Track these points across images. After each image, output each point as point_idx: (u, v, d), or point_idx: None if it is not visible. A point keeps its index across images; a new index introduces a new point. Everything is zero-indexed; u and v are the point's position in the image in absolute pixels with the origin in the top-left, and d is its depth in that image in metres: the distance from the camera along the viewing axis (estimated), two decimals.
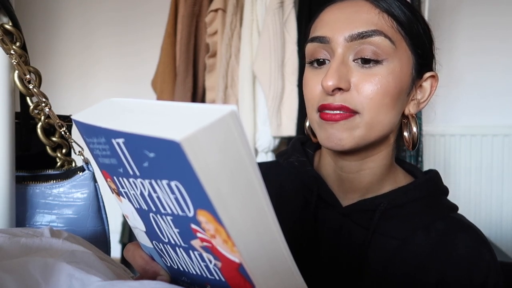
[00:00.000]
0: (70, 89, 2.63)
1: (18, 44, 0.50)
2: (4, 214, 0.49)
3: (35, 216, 0.53)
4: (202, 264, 0.31)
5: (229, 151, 0.23)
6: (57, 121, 0.53)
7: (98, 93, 2.60)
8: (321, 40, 0.54)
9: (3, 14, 0.49)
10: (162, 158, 0.24)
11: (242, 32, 1.75)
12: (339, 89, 0.51)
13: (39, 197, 0.53)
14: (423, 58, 0.56)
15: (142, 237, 0.36)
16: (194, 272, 0.32)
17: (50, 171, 0.55)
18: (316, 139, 0.61)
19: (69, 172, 0.55)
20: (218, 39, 1.80)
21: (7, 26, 0.49)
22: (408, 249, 0.54)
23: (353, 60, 0.52)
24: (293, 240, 0.40)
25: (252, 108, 1.73)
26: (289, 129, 1.65)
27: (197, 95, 1.93)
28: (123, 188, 0.32)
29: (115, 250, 1.79)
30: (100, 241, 0.55)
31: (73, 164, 0.57)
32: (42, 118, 0.54)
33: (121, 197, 0.33)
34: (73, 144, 0.55)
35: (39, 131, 0.54)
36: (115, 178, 0.32)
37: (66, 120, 0.55)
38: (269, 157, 1.73)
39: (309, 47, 0.56)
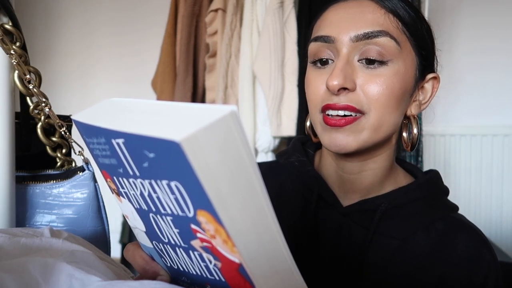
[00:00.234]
0: (70, 89, 2.63)
1: (18, 44, 0.50)
2: (4, 214, 0.49)
3: (35, 216, 0.53)
4: (202, 264, 0.31)
5: (229, 151, 0.23)
6: (57, 121, 0.53)
7: (98, 93, 2.60)
8: (326, 39, 0.53)
9: (3, 14, 0.49)
10: (162, 158, 0.24)
11: (242, 32, 1.75)
12: (344, 89, 0.51)
13: (39, 197, 0.53)
14: (426, 59, 0.55)
15: (142, 237, 0.36)
16: (194, 272, 0.32)
17: (50, 171, 0.55)
18: (316, 139, 0.61)
19: (69, 172, 0.55)
20: (218, 39, 1.80)
21: (7, 26, 0.49)
22: (409, 249, 0.54)
23: (358, 61, 0.52)
24: (293, 240, 0.40)
25: (252, 108, 1.73)
26: (289, 129, 1.65)
27: (197, 95, 1.93)
28: (123, 188, 0.32)
29: (115, 250, 1.79)
30: (100, 241, 0.55)
31: (73, 164, 0.57)
32: (42, 118, 0.54)
33: (121, 197, 0.33)
34: (73, 144, 0.55)
35: (39, 131, 0.54)
36: (115, 178, 0.32)
37: (66, 120, 0.55)
38: (269, 157, 1.73)
39: (313, 46, 0.55)
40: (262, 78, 1.65)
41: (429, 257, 0.54)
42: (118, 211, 0.40)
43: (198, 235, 0.28)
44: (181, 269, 0.34)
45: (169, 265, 0.35)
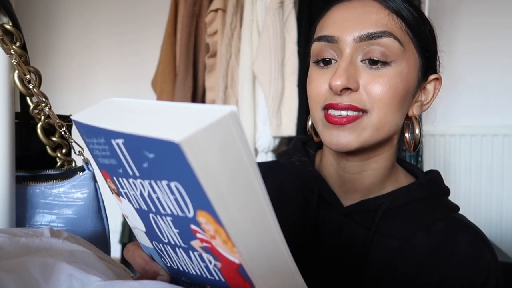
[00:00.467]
0: (70, 89, 2.63)
1: (18, 44, 0.50)
2: (4, 214, 0.49)
3: (35, 216, 0.53)
4: (202, 264, 0.31)
5: (229, 151, 0.23)
6: (57, 121, 0.53)
7: (98, 93, 2.60)
8: (329, 39, 0.53)
9: (3, 14, 0.49)
10: (162, 159, 0.24)
11: (242, 32, 1.75)
12: (347, 89, 0.51)
13: (39, 197, 0.53)
14: (429, 60, 0.55)
15: (142, 237, 0.36)
16: (194, 273, 0.33)
17: (50, 171, 0.55)
18: (318, 139, 0.61)
19: (69, 172, 0.55)
20: (218, 39, 1.80)
21: (7, 26, 0.49)
22: (409, 249, 0.54)
23: (361, 61, 0.52)
24: (293, 240, 0.40)
25: (252, 108, 1.73)
26: (289, 129, 1.65)
27: (197, 95, 1.93)
28: (122, 188, 0.32)
29: (115, 250, 1.80)
30: (100, 241, 0.55)
31: (73, 164, 0.57)
32: (42, 118, 0.54)
33: (121, 197, 0.33)
34: (73, 144, 0.55)
35: (39, 131, 0.54)
36: (114, 178, 0.32)
37: (66, 120, 0.55)
38: (269, 157, 1.73)
39: (316, 46, 0.55)
40: (262, 78, 1.65)
41: (429, 257, 0.54)
42: (118, 211, 0.40)
43: (198, 235, 0.28)
44: (181, 269, 0.34)
45: (169, 265, 0.35)
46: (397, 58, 0.51)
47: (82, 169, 0.54)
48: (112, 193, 0.35)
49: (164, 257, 0.35)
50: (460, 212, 0.59)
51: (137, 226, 0.35)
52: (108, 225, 0.56)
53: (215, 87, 1.81)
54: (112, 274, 0.35)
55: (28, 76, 0.50)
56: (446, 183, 0.61)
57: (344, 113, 0.52)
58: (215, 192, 0.24)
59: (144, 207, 0.31)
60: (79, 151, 0.55)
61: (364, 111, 0.52)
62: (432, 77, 0.57)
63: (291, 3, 1.66)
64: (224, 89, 1.77)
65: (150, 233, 0.34)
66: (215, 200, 0.24)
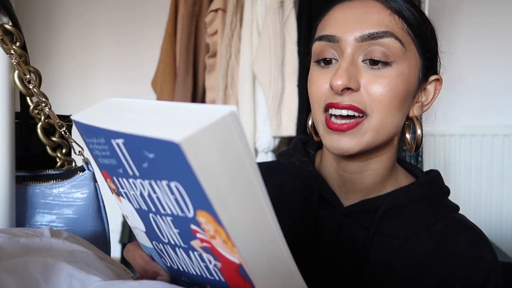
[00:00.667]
0: (70, 89, 2.63)
1: (18, 44, 0.50)
2: (4, 214, 0.49)
3: (35, 216, 0.53)
4: (202, 264, 0.31)
5: (229, 151, 0.23)
6: (57, 121, 0.53)
7: (98, 93, 2.60)
8: (330, 39, 0.53)
9: (3, 14, 0.49)
10: (162, 159, 0.24)
11: (242, 32, 1.75)
12: (348, 89, 0.51)
13: (39, 197, 0.53)
14: (430, 61, 0.55)
15: (142, 237, 0.36)
16: (194, 273, 0.33)
17: (50, 171, 0.55)
18: (318, 138, 0.61)
19: (69, 172, 0.55)
20: (218, 39, 1.80)
21: (7, 26, 0.49)
22: (409, 249, 0.54)
23: (362, 61, 0.52)
24: (293, 240, 0.40)
25: (252, 108, 1.73)
26: (289, 129, 1.65)
27: (197, 95, 1.93)
28: (122, 188, 0.32)
29: (115, 250, 1.79)
30: (100, 241, 0.55)
31: (73, 164, 0.57)
32: (42, 118, 0.54)
33: (121, 197, 0.33)
34: (73, 144, 0.55)
35: (39, 131, 0.54)
36: (114, 178, 0.32)
37: (66, 120, 0.55)
38: (269, 157, 1.73)
39: (317, 45, 0.55)
40: (262, 78, 1.65)
41: (429, 257, 0.54)
42: (118, 211, 0.40)
43: (198, 235, 0.28)
44: (181, 269, 0.34)
45: (169, 265, 0.35)
46: (398, 58, 0.51)
47: (82, 169, 0.54)
48: (112, 193, 0.35)
49: (164, 257, 0.35)
50: (460, 212, 0.59)
51: (137, 226, 0.35)
52: (108, 225, 0.56)
53: (215, 87, 1.81)
54: (112, 274, 0.35)
55: (28, 76, 0.50)
56: (446, 183, 0.61)
57: (345, 112, 0.52)
58: (215, 192, 0.24)
59: (144, 207, 0.31)
60: (79, 151, 0.55)
61: (364, 114, 0.52)
62: (432, 77, 0.57)
63: (291, 3, 1.66)
64: (224, 89, 1.77)
65: (150, 233, 0.34)
66: (215, 200, 0.24)
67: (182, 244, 0.30)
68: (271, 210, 0.26)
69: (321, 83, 0.54)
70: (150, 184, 0.27)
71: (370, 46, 0.51)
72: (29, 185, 0.53)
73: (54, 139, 0.55)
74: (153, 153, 0.25)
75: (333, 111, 0.52)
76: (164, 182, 0.26)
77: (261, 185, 0.25)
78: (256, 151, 1.74)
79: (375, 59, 0.51)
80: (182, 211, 0.27)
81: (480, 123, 2.12)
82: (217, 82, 1.79)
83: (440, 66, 0.59)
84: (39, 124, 0.54)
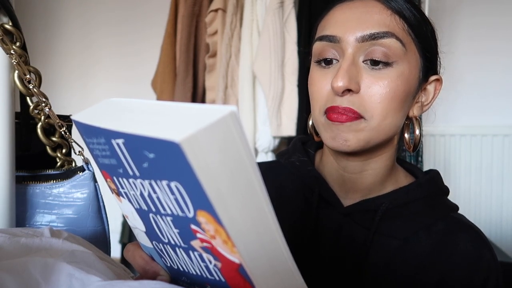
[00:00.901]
0: (70, 89, 2.63)
1: (18, 44, 0.50)
2: (4, 214, 0.49)
3: (35, 216, 0.53)
4: (202, 264, 0.31)
5: (229, 151, 0.23)
6: (57, 121, 0.53)
7: (98, 93, 2.60)
8: (331, 39, 0.53)
9: (3, 14, 0.49)
10: (162, 159, 0.24)
11: (242, 32, 1.75)
12: (349, 90, 0.51)
13: (39, 197, 0.53)
14: (430, 61, 0.55)
15: (142, 237, 0.36)
16: (194, 273, 0.33)
17: (50, 171, 0.55)
18: (318, 138, 0.61)
19: (69, 172, 0.55)
20: (218, 39, 1.80)
21: (7, 26, 0.49)
22: (409, 249, 0.54)
23: (363, 61, 0.52)
24: (293, 240, 0.40)
25: (252, 108, 1.73)
26: (289, 129, 1.65)
27: (197, 95, 1.93)
28: (123, 188, 0.32)
29: (115, 250, 1.80)
30: (100, 241, 0.55)
31: (73, 164, 0.57)
32: (42, 118, 0.54)
33: (121, 197, 0.33)
34: (73, 144, 0.55)
35: (39, 131, 0.54)
36: (115, 178, 0.32)
37: (66, 120, 0.55)
38: (269, 157, 1.73)
39: (317, 45, 0.55)
40: (262, 78, 1.65)
41: (429, 257, 0.54)
42: (118, 211, 0.40)
43: (198, 235, 0.28)
44: (181, 269, 0.34)
45: (169, 265, 0.35)
46: (399, 58, 0.51)
47: (82, 169, 0.54)
48: (112, 193, 0.35)
49: (164, 257, 0.35)
50: (460, 212, 0.59)
51: (137, 226, 0.35)
52: (108, 225, 0.56)
53: (215, 87, 1.81)
54: (112, 274, 0.35)
55: (28, 76, 0.50)
56: (446, 183, 0.61)
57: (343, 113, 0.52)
58: (215, 192, 0.24)
59: (144, 207, 0.31)
60: (79, 151, 0.55)
61: (362, 117, 0.52)
62: (432, 78, 0.57)
63: (291, 3, 1.66)
64: (224, 89, 1.77)
65: (150, 233, 0.34)
66: (215, 200, 0.24)
67: (182, 244, 0.30)
68: (271, 210, 0.26)
69: (322, 84, 0.54)
70: (150, 184, 0.27)
71: (371, 47, 0.51)
72: (29, 185, 0.53)
73: (54, 139, 0.55)
74: (153, 153, 0.25)
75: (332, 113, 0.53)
76: (164, 182, 0.26)
77: (261, 185, 0.25)
78: (256, 151, 1.74)
79: (376, 59, 0.51)
80: (182, 211, 0.27)
81: (480, 123, 2.12)
82: (217, 82, 1.79)
83: (440, 66, 0.59)
84: (39, 124, 0.54)
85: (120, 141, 0.27)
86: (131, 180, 0.29)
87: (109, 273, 0.34)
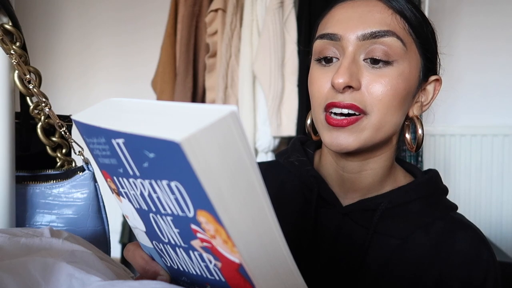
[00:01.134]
0: (70, 89, 2.63)
1: (18, 44, 0.50)
2: (4, 214, 0.49)
3: (35, 216, 0.53)
4: (202, 264, 0.31)
5: (229, 151, 0.23)
6: (57, 121, 0.53)
7: (98, 93, 2.60)
8: (332, 37, 0.53)
9: (3, 14, 0.49)
10: (162, 159, 0.24)
11: (242, 32, 1.75)
12: (349, 87, 0.51)
13: (39, 197, 0.53)
14: (430, 62, 0.56)
15: (142, 237, 0.36)
16: (194, 272, 0.33)
17: (50, 171, 0.55)
18: (316, 137, 0.61)
19: (69, 172, 0.55)
20: (218, 39, 1.80)
21: (7, 26, 0.49)
22: (408, 249, 0.54)
23: (364, 60, 0.52)
24: (293, 240, 0.40)
25: (252, 108, 1.73)
26: (289, 129, 1.65)
27: (197, 95, 1.93)
28: (123, 188, 0.32)
29: (115, 250, 1.79)
30: (100, 241, 0.55)
31: (73, 164, 0.57)
32: (42, 118, 0.54)
33: (121, 197, 0.33)
34: (73, 144, 0.55)
35: (39, 131, 0.54)
36: (115, 178, 0.32)
37: (66, 120, 0.55)
38: (269, 157, 1.73)
39: (318, 43, 0.55)
40: (262, 78, 1.65)
41: (428, 256, 0.54)
42: (118, 211, 0.40)
43: (198, 235, 0.28)
44: (181, 269, 0.34)
45: (169, 265, 0.35)
46: (399, 58, 0.51)
47: (82, 169, 0.54)
48: (112, 193, 0.35)
49: (164, 257, 0.35)
50: (460, 212, 0.59)
51: (137, 226, 0.35)
52: (108, 225, 0.56)
53: (215, 87, 1.81)
54: (112, 274, 0.35)
55: (28, 76, 0.50)
56: (446, 183, 0.61)
57: (345, 111, 0.52)
58: (215, 191, 0.24)
59: (144, 207, 0.31)
60: (79, 151, 0.55)
61: (364, 113, 0.52)
62: (432, 78, 0.57)
63: (291, 3, 1.66)
64: (224, 89, 1.77)
65: (150, 233, 0.33)
66: (215, 200, 0.24)
67: (182, 244, 0.30)
68: (271, 210, 0.26)
69: (322, 82, 0.54)
70: (151, 184, 0.27)
71: (372, 45, 0.51)
72: (29, 185, 0.53)
73: (54, 139, 0.55)
74: (154, 153, 0.25)
75: (333, 109, 0.52)
76: (165, 182, 0.26)
77: (262, 185, 0.25)
78: (256, 151, 1.74)
79: (377, 58, 0.51)
80: (183, 210, 0.27)
81: (480, 123, 2.12)
82: (217, 82, 1.79)
83: (439, 67, 0.59)
84: (39, 124, 0.54)
85: (120, 140, 0.27)
86: (131, 180, 0.29)
87: (109, 273, 0.34)
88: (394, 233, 0.55)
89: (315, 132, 0.60)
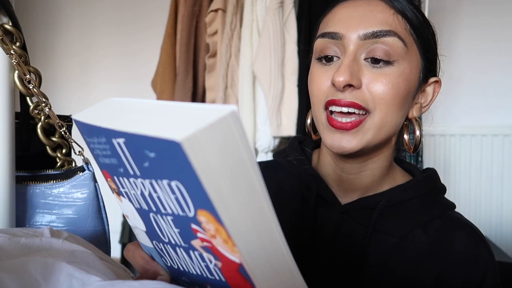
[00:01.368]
0: (70, 89, 2.63)
1: (18, 44, 0.50)
2: (4, 214, 0.49)
3: (35, 216, 0.53)
4: (202, 264, 0.31)
5: (230, 151, 0.23)
6: (57, 121, 0.53)
7: (98, 93, 2.60)
8: (333, 36, 0.53)
9: (3, 14, 0.49)
10: (163, 158, 0.24)
11: (242, 32, 1.75)
12: (350, 86, 0.51)
13: (39, 197, 0.53)
14: (430, 63, 0.56)
15: (142, 237, 0.36)
16: (194, 272, 0.32)
17: (50, 171, 0.55)
18: (316, 137, 0.61)
19: (69, 172, 0.55)
20: (218, 39, 1.80)
21: (7, 26, 0.49)
22: (407, 247, 0.54)
23: (364, 59, 0.52)
24: (292, 239, 0.40)
25: (252, 108, 1.73)
26: (289, 129, 1.65)
27: (197, 95, 1.93)
28: (123, 188, 0.32)
29: (115, 250, 1.79)
30: (100, 241, 0.55)
31: (73, 164, 0.57)
32: (42, 118, 0.54)
33: (121, 197, 0.33)
34: (73, 144, 0.55)
35: (39, 131, 0.54)
36: (115, 178, 0.31)
37: (66, 120, 0.55)
38: (269, 157, 1.73)
39: (319, 42, 0.55)
40: (262, 78, 1.65)
41: (427, 254, 0.54)
42: (118, 211, 0.40)
43: (199, 234, 0.28)
44: (181, 269, 0.34)
45: (169, 265, 0.35)
46: (400, 58, 0.51)
47: (82, 169, 0.54)
48: (113, 193, 0.35)
49: (165, 257, 0.35)
50: (461, 212, 0.59)
51: (138, 225, 0.35)
52: (108, 225, 0.56)
53: (215, 87, 1.81)
54: (112, 274, 0.35)
55: (28, 76, 0.50)
56: (446, 183, 0.61)
57: (345, 110, 0.52)
58: (215, 191, 0.24)
59: (144, 206, 0.31)
60: (79, 151, 0.55)
61: (367, 111, 0.52)
62: (432, 79, 0.57)
63: (291, 3, 1.66)
64: (224, 89, 1.77)
65: (151, 232, 0.33)
66: (215, 199, 0.24)
67: (183, 244, 0.30)
68: (272, 210, 0.26)
69: (322, 80, 0.54)
70: (151, 184, 0.27)
71: (373, 45, 0.51)
72: (29, 185, 0.53)
73: (54, 139, 0.55)
74: (154, 152, 0.25)
75: (333, 108, 0.52)
76: (165, 182, 0.26)
77: (262, 185, 0.25)
78: (256, 151, 1.74)
79: (377, 57, 0.51)
80: (183, 210, 0.27)
81: (480, 123, 2.12)
82: (217, 82, 1.79)
83: (439, 69, 0.59)
84: (39, 124, 0.54)
85: (121, 140, 0.27)
86: (131, 179, 0.29)
87: (109, 273, 0.34)
88: (393, 231, 0.55)
89: (315, 131, 0.60)
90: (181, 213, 0.27)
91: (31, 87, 0.51)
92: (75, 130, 0.38)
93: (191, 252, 0.30)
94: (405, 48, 0.52)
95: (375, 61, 0.51)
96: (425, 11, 1.72)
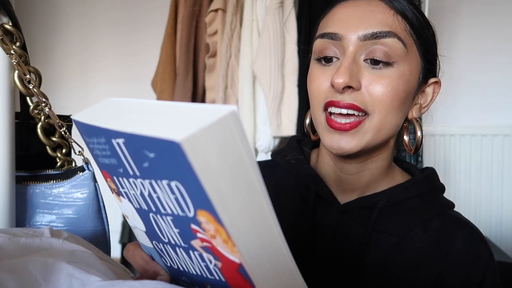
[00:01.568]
0: (70, 89, 2.63)
1: (18, 44, 0.50)
2: (4, 214, 0.49)
3: (35, 216, 0.53)
4: (202, 264, 0.31)
5: (229, 151, 0.23)
6: (57, 121, 0.53)
7: (98, 93, 2.60)
8: (333, 36, 0.53)
9: (3, 14, 0.49)
10: (162, 158, 0.24)
11: (242, 32, 1.75)
12: (349, 87, 0.51)
13: (39, 197, 0.53)
14: (430, 64, 0.56)
15: (142, 237, 0.36)
16: (194, 272, 0.32)
17: (50, 171, 0.55)
18: (315, 137, 0.61)
19: (69, 172, 0.55)
20: (218, 39, 1.80)
21: (7, 26, 0.49)
22: (406, 246, 0.54)
23: (364, 60, 0.52)
24: (291, 239, 0.39)
25: (252, 108, 1.73)
26: (289, 129, 1.65)
27: (197, 95, 1.93)
28: (123, 188, 0.32)
29: (115, 250, 1.79)
30: (100, 241, 0.55)
31: (73, 164, 0.57)
32: (42, 118, 0.54)
33: (121, 197, 0.33)
34: (73, 144, 0.55)
35: (39, 131, 0.54)
36: (115, 178, 0.31)
37: (66, 120, 0.55)
38: (269, 157, 1.73)
39: (318, 43, 0.55)
40: (262, 78, 1.65)
41: (427, 254, 0.54)
42: (118, 211, 0.40)
43: (198, 235, 0.28)
44: (181, 269, 0.34)
45: (169, 265, 0.35)
46: (400, 59, 0.51)
47: (82, 169, 0.54)
48: (112, 193, 0.35)
49: (164, 257, 0.35)
50: (461, 212, 0.59)
51: (137, 226, 0.35)
52: (108, 225, 0.56)
53: (215, 87, 1.81)
54: (112, 274, 0.35)
55: (28, 76, 0.50)
56: (446, 183, 0.61)
57: (344, 111, 0.51)
58: (215, 191, 0.24)
59: (144, 206, 0.31)
60: (79, 151, 0.55)
61: (366, 113, 0.52)
62: (432, 80, 0.57)
63: (291, 3, 1.66)
64: (224, 89, 1.77)
65: (150, 232, 0.33)
66: (215, 200, 0.24)
67: (183, 244, 0.30)
68: (271, 210, 0.26)
69: (321, 81, 0.54)
70: (151, 184, 0.27)
71: (373, 46, 0.51)
72: (29, 185, 0.53)
73: (54, 139, 0.55)
74: (154, 153, 0.25)
75: (332, 109, 0.52)
76: (165, 182, 0.26)
77: (262, 185, 0.25)
78: (256, 151, 1.74)
79: (377, 59, 0.51)
80: (183, 210, 0.27)
81: (480, 123, 2.12)
82: (217, 82, 1.79)
83: (439, 69, 0.59)
84: (39, 124, 0.54)
85: (121, 140, 0.27)
86: (131, 179, 0.29)
87: (109, 273, 0.34)
88: (392, 230, 0.55)
89: (314, 131, 0.60)
90: (180, 213, 0.27)
91: (31, 87, 0.51)
92: (75, 130, 0.38)
93: (191, 252, 0.30)
94: (405, 49, 0.51)
95: (374, 62, 0.51)
96: (425, 11, 1.72)
